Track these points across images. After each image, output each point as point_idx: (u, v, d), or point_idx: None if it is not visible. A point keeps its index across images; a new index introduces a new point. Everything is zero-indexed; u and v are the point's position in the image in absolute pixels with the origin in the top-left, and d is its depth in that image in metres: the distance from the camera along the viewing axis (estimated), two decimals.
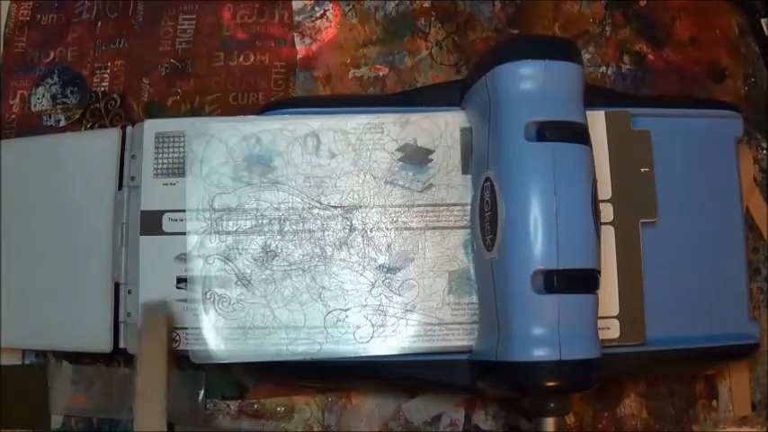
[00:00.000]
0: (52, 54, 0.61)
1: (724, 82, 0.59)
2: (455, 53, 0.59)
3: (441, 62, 0.59)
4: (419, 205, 0.50)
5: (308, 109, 0.52)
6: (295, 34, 0.60)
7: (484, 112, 0.47)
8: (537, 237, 0.42)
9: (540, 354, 0.42)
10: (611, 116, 0.50)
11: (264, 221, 0.50)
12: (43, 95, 0.59)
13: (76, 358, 0.55)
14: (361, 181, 0.50)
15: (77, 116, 0.59)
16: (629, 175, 0.50)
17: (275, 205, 0.50)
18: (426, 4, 0.60)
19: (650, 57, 0.60)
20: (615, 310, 0.48)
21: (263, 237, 0.50)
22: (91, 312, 0.51)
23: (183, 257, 0.50)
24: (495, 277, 0.44)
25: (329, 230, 0.50)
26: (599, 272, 0.44)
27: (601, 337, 0.44)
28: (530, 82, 0.44)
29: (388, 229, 0.50)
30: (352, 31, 0.60)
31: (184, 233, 0.50)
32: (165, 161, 0.51)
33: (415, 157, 0.50)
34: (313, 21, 0.60)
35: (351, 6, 0.60)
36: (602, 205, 0.47)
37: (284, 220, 0.50)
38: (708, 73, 0.59)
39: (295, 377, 0.52)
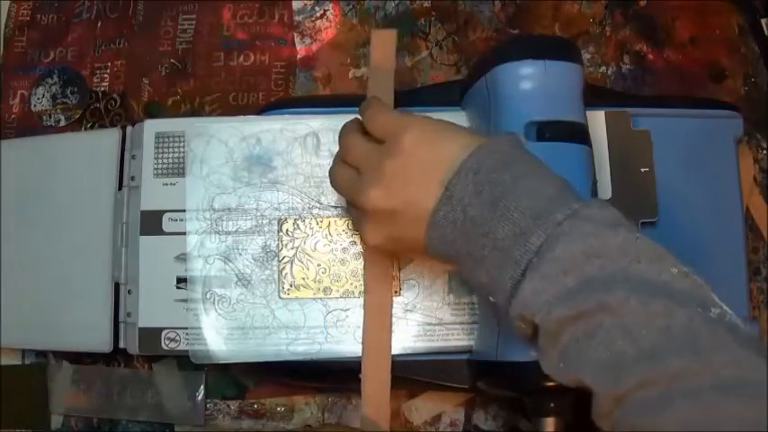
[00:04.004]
0: (52, 54, 0.61)
1: (724, 82, 0.59)
2: (455, 53, 0.59)
3: (441, 62, 0.59)
4: None
5: (308, 109, 0.52)
6: (295, 34, 0.60)
7: (484, 112, 0.47)
8: None
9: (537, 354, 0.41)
10: (611, 116, 0.50)
11: (264, 221, 0.50)
12: (43, 95, 0.59)
13: (76, 358, 0.55)
14: None
15: (77, 116, 0.59)
16: (629, 175, 0.50)
17: (275, 205, 0.50)
18: (426, 4, 0.60)
19: (650, 57, 0.60)
20: None
21: (263, 237, 0.50)
22: (91, 312, 0.51)
23: (183, 257, 0.50)
24: None
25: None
26: None
27: None
28: (530, 82, 0.44)
29: None
30: (352, 31, 0.60)
31: (184, 233, 0.50)
32: (165, 161, 0.51)
33: None
34: (313, 21, 0.60)
35: (351, 6, 0.60)
36: None
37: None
38: (708, 73, 0.59)
39: (295, 377, 0.52)
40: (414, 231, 0.38)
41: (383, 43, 0.50)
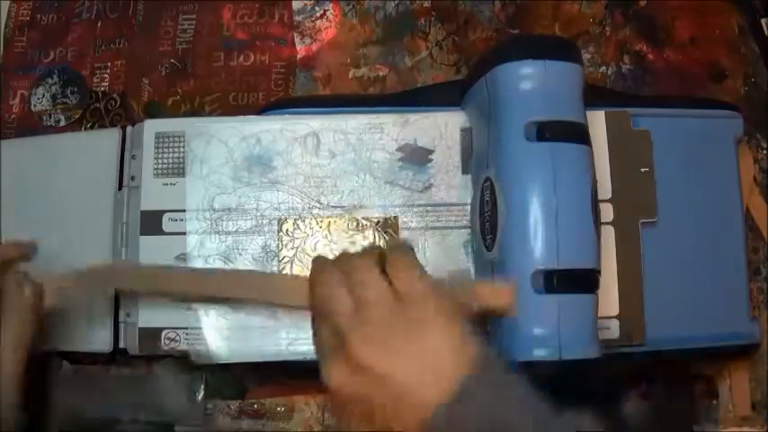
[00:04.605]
0: (52, 54, 0.61)
1: (724, 82, 0.59)
2: (455, 53, 0.59)
3: (441, 62, 0.59)
4: (419, 205, 0.50)
5: (308, 109, 0.52)
6: (295, 34, 0.60)
7: (484, 112, 0.47)
8: (537, 237, 0.42)
9: (540, 353, 0.42)
10: (611, 116, 0.50)
11: (264, 221, 0.50)
12: (43, 95, 0.59)
13: (76, 358, 0.55)
14: (361, 181, 0.50)
15: (77, 116, 0.59)
16: (629, 175, 0.50)
17: (275, 205, 0.50)
18: (426, 4, 0.60)
19: (650, 57, 0.60)
20: (615, 310, 0.48)
21: (263, 237, 0.50)
22: (91, 312, 0.51)
23: (183, 257, 0.50)
24: (495, 277, 0.44)
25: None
26: (599, 272, 0.44)
27: (601, 337, 0.44)
28: (530, 82, 0.44)
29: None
30: (352, 31, 0.60)
31: (184, 233, 0.50)
32: (165, 161, 0.51)
33: (415, 157, 0.50)
34: (313, 21, 0.60)
35: (351, 6, 0.60)
36: (602, 205, 0.47)
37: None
38: (708, 73, 0.59)
39: (295, 377, 0.52)
40: (395, 412, 0.33)
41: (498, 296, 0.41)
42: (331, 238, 0.50)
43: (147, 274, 0.46)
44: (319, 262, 0.39)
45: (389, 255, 0.37)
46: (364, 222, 0.50)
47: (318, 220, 0.50)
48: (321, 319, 0.37)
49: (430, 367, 0.33)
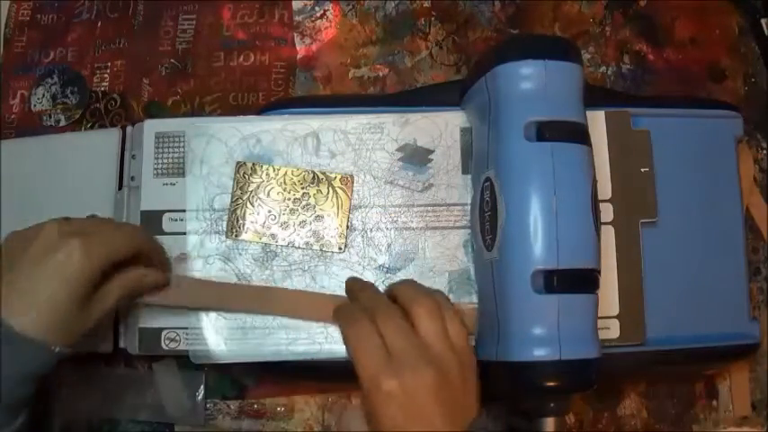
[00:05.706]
0: (52, 54, 0.61)
1: (724, 82, 0.59)
2: (455, 53, 0.59)
3: (441, 62, 0.59)
4: (419, 205, 0.50)
5: (308, 109, 0.52)
6: (295, 34, 0.60)
7: (484, 112, 0.47)
8: (537, 237, 0.42)
9: (540, 354, 0.42)
10: (611, 116, 0.50)
11: None
12: (43, 95, 0.59)
13: (77, 358, 0.55)
14: (361, 181, 0.50)
15: (77, 116, 0.59)
16: (629, 175, 0.50)
17: None
18: (426, 4, 0.60)
19: (650, 57, 0.60)
20: (615, 310, 0.48)
21: None
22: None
23: (183, 257, 0.50)
24: (495, 277, 0.44)
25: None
26: (599, 272, 0.44)
27: (601, 337, 0.44)
28: (530, 82, 0.44)
29: (388, 229, 0.50)
30: (352, 31, 0.60)
31: (184, 233, 0.50)
32: (165, 161, 0.51)
33: (415, 157, 0.50)
34: (313, 21, 0.60)
35: (351, 6, 0.60)
36: (602, 205, 0.47)
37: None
38: (708, 73, 0.59)
39: (295, 377, 0.52)
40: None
41: None
42: (285, 187, 0.50)
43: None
44: (348, 310, 0.44)
45: (414, 305, 0.42)
46: (320, 176, 0.50)
47: (275, 168, 0.50)
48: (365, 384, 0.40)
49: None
